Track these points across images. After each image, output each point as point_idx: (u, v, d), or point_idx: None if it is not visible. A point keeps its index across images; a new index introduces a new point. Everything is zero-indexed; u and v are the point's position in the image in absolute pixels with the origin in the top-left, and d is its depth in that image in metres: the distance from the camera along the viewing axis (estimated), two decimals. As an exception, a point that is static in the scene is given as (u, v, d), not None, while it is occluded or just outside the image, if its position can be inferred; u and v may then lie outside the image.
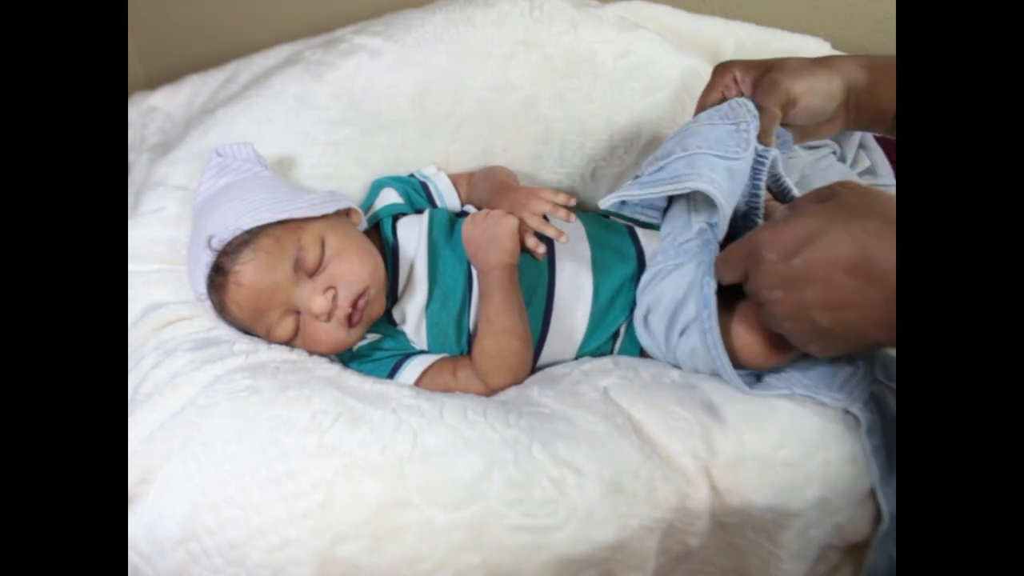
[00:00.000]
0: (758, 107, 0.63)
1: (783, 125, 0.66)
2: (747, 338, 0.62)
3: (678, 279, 0.65)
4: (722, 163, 0.62)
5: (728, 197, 0.62)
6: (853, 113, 0.67)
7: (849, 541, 0.62)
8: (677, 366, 0.68)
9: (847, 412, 0.60)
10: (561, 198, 0.70)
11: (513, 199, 0.73)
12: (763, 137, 0.64)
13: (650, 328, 0.68)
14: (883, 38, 0.96)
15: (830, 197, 0.54)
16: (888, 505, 0.59)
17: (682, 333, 0.64)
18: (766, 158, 0.64)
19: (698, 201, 0.68)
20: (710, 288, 0.61)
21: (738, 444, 0.58)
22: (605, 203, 0.66)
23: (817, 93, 0.64)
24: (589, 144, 0.87)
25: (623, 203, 0.69)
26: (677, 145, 0.65)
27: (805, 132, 0.69)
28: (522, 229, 0.69)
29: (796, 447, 0.58)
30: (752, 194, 0.66)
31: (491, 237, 0.68)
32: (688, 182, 0.61)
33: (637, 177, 0.67)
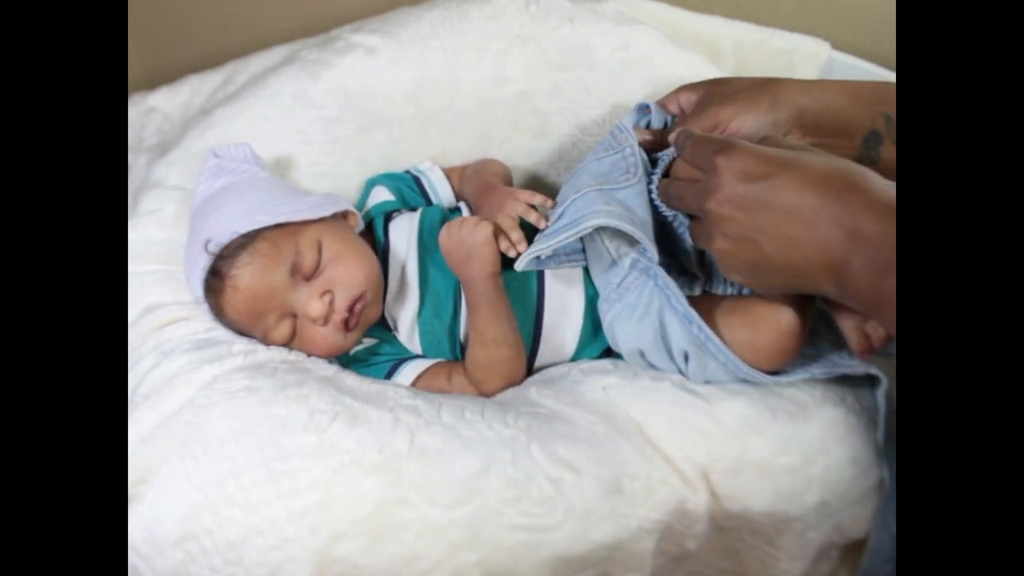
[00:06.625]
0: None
1: None
2: (754, 351, 0.61)
3: (643, 315, 0.63)
4: (615, 194, 0.63)
5: (635, 222, 0.61)
6: (813, 137, 0.65)
7: (851, 539, 0.62)
8: None
9: (869, 375, 0.60)
10: (538, 199, 0.69)
11: (492, 202, 0.71)
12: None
13: (652, 363, 0.65)
14: (883, 38, 0.95)
15: (800, 148, 0.54)
16: (891, 467, 0.58)
17: (685, 358, 0.62)
18: None
19: (612, 235, 0.66)
20: (689, 310, 0.60)
21: (738, 449, 0.58)
22: (520, 265, 0.65)
23: (749, 121, 0.64)
24: (588, 139, 0.86)
25: (547, 260, 0.68)
26: (571, 189, 0.66)
27: None
28: (498, 233, 0.67)
29: (797, 453, 0.58)
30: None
31: (469, 248, 0.66)
32: (588, 222, 0.61)
33: (543, 231, 0.66)
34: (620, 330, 0.65)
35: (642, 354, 0.65)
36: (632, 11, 0.89)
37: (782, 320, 0.60)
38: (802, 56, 0.91)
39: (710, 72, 0.86)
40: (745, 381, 0.62)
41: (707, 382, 0.63)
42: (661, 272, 0.62)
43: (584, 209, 0.62)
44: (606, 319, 0.66)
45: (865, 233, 0.48)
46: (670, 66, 0.84)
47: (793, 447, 0.58)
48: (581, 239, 0.69)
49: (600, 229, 0.65)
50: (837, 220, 0.49)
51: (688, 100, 0.72)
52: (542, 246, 0.64)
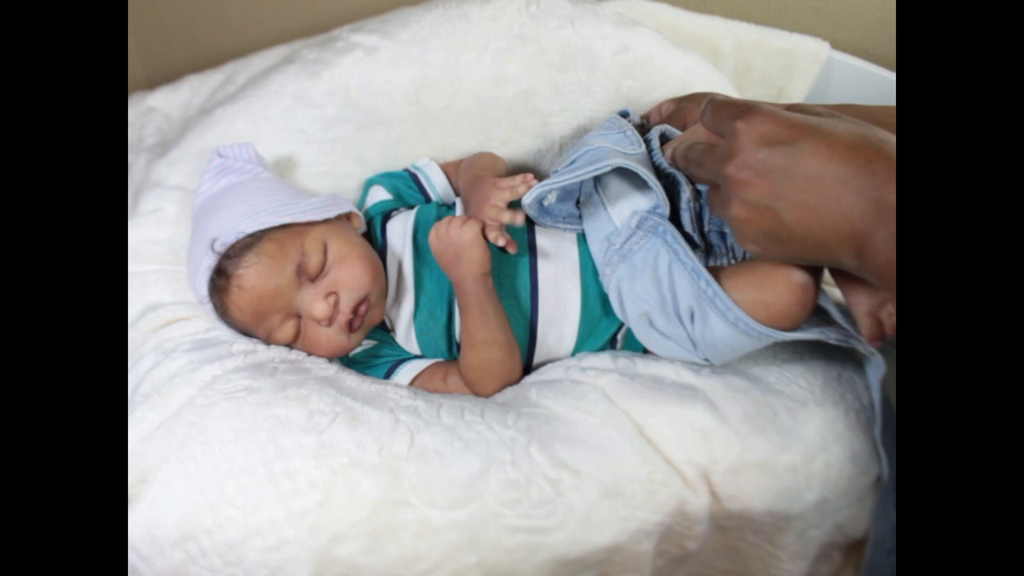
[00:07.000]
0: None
1: None
2: (765, 307, 0.58)
3: (651, 274, 0.62)
4: (628, 156, 0.64)
5: (651, 172, 0.62)
6: None
7: (851, 538, 0.62)
8: (706, 359, 0.64)
9: (870, 354, 0.58)
10: (519, 178, 0.67)
11: (479, 195, 0.70)
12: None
13: (660, 330, 0.64)
14: (883, 38, 0.95)
15: (827, 115, 0.52)
16: (889, 455, 0.57)
17: (692, 318, 0.61)
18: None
19: (614, 197, 0.66)
20: (697, 265, 0.59)
21: (739, 449, 0.58)
22: (527, 200, 0.65)
23: None
24: (588, 140, 0.86)
25: (546, 214, 0.69)
26: (582, 144, 0.68)
27: None
28: (487, 227, 0.66)
29: (798, 451, 0.58)
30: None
31: (457, 248, 0.65)
32: (608, 160, 0.61)
33: (556, 171, 0.67)
34: (627, 291, 0.64)
35: (649, 320, 0.64)
36: (632, 12, 0.89)
37: (792, 275, 0.57)
38: (802, 56, 0.91)
39: (710, 72, 0.86)
40: (750, 365, 0.62)
41: (717, 361, 0.62)
42: (670, 227, 0.61)
43: (602, 155, 0.63)
44: (611, 283, 0.66)
45: (892, 205, 0.45)
46: (670, 67, 0.84)
47: (794, 445, 0.58)
48: (578, 206, 0.70)
49: (603, 190, 0.67)
50: (862, 190, 0.46)
51: (668, 109, 0.75)
52: (556, 180, 0.64)
